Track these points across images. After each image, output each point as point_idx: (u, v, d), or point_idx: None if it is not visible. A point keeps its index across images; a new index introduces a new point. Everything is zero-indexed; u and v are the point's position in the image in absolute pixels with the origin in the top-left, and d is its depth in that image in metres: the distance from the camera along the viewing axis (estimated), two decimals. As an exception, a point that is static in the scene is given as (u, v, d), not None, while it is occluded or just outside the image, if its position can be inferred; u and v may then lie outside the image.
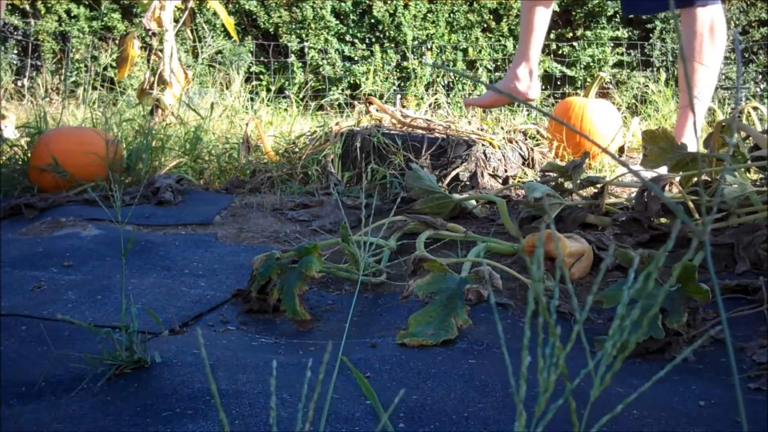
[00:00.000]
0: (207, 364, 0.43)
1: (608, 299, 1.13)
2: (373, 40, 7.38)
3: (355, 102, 4.46)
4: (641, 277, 0.41)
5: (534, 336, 1.07)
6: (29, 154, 2.41)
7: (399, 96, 6.53)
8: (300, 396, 0.91)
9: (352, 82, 7.16)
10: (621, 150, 3.10)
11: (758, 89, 7.10)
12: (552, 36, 7.64)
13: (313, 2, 7.12)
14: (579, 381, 0.45)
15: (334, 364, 0.97)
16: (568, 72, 7.44)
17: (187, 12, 3.56)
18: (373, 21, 7.37)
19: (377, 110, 2.85)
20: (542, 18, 2.75)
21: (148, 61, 3.47)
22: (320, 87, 6.90)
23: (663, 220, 1.65)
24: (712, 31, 2.45)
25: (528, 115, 5.09)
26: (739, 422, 0.84)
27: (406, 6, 7.33)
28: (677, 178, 1.68)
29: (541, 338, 0.42)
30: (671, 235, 0.37)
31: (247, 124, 2.77)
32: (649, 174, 1.79)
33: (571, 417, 0.41)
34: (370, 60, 7.25)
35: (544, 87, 7.45)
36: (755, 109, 2.91)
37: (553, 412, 0.42)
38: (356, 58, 7.29)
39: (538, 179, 2.32)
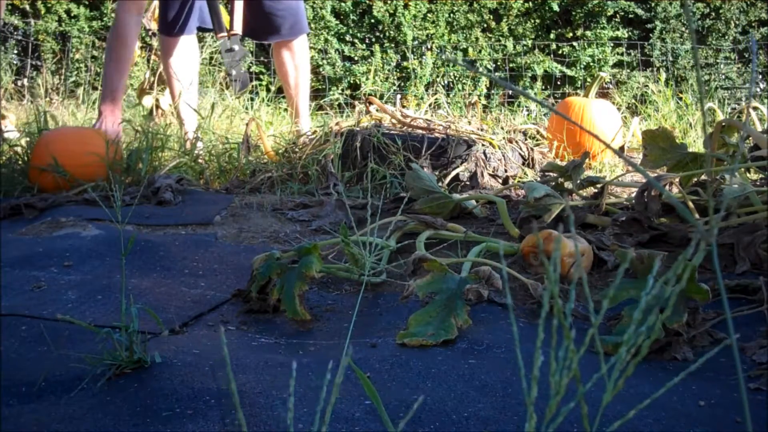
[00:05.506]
0: (228, 363, 0.43)
1: (609, 299, 1.13)
2: (373, 40, 7.38)
3: (355, 102, 4.46)
4: (646, 278, 0.41)
5: (536, 337, 1.07)
6: (29, 154, 2.41)
7: (399, 96, 6.53)
8: (300, 396, 0.91)
9: (352, 82, 7.16)
10: (621, 150, 3.11)
11: (758, 89, 7.10)
12: (552, 36, 7.64)
13: (313, 2, 7.11)
14: (577, 382, 0.45)
15: (341, 366, 0.98)
16: (568, 72, 7.43)
17: (187, 12, 3.55)
18: (373, 21, 7.36)
19: (377, 110, 2.85)
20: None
21: (148, 61, 3.47)
22: (320, 87, 6.89)
23: (663, 220, 1.65)
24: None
25: (528, 115, 5.09)
26: (739, 422, 0.84)
27: (406, 6, 7.33)
28: (677, 179, 1.68)
29: (542, 338, 0.42)
30: (675, 235, 0.37)
31: (247, 124, 2.76)
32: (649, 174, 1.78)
33: (583, 421, 0.41)
34: (370, 60, 7.24)
35: (544, 87, 7.45)
36: (755, 109, 2.91)
37: (564, 415, 0.42)
38: (356, 58, 7.29)
39: (538, 179, 2.32)
